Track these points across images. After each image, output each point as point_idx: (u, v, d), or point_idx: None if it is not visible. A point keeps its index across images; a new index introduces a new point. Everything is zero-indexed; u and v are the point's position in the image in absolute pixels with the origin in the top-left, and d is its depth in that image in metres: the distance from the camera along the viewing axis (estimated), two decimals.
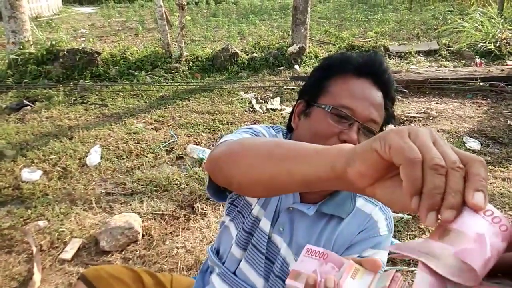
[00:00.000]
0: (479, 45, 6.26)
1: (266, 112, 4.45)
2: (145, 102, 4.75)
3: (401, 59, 6.17)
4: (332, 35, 7.61)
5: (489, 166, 3.20)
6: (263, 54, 6.22)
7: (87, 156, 3.37)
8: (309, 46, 6.44)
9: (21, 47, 5.51)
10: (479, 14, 7.23)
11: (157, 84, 5.27)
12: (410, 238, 2.43)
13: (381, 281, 0.58)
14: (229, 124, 4.09)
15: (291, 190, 0.66)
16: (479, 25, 6.78)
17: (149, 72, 5.60)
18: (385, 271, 0.59)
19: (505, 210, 2.68)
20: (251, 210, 1.08)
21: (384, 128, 1.04)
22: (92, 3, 15.58)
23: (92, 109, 4.52)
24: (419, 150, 0.42)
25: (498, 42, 6.18)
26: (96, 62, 5.51)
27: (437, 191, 0.40)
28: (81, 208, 2.74)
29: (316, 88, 1.02)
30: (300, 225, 1.03)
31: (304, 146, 0.62)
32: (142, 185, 3.00)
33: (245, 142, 0.76)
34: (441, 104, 4.49)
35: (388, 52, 6.35)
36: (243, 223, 1.09)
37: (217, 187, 0.98)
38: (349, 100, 0.95)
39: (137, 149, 3.55)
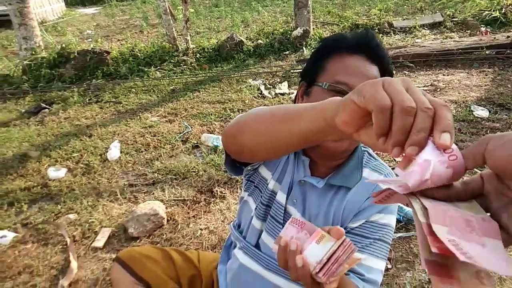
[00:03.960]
0: (484, 14, 6.22)
1: (275, 97, 4.54)
2: (157, 97, 4.88)
3: (406, 34, 6.18)
4: (335, 15, 7.61)
5: (498, 132, 3.25)
6: (268, 40, 6.28)
7: (107, 151, 3.52)
8: (313, 29, 6.47)
9: (33, 52, 5.67)
10: None
11: (167, 78, 5.39)
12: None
13: (335, 245, 0.72)
14: (240, 111, 4.20)
15: (294, 147, 0.77)
16: None
17: (158, 67, 5.72)
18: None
19: None
20: (267, 184, 1.17)
21: None
22: (95, 3, 15.67)
23: (107, 107, 4.67)
24: (391, 97, 0.49)
25: (503, 9, 6.13)
26: (106, 61, 5.64)
27: (402, 130, 0.47)
28: (107, 200, 2.89)
29: (314, 69, 1.07)
30: (311, 196, 1.12)
31: (300, 106, 0.71)
32: (162, 175, 3.14)
33: (251, 113, 0.87)
34: (447, 75, 4.52)
35: (392, 28, 6.35)
36: (261, 197, 1.19)
37: (233, 163, 1.11)
38: (345, 76, 1.00)
39: (154, 141, 3.68)
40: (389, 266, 2.13)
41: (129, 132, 3.92)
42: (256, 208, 1.20)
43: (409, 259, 2.16)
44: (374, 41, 1.04)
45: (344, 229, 1.01)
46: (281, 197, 1.14)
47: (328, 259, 0.71)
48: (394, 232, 2.32)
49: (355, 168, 1.11)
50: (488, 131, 3.29)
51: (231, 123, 0.93)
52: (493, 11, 6.14)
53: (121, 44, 7.17)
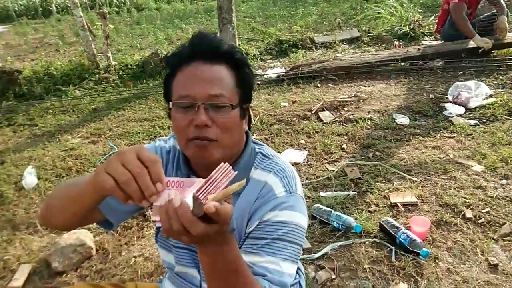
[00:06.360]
0: (395, 29, 6.69)
1: None
2: (78, 117, 4.56)
3: (327, 49, 6.45)
4: (259, 31, 7.75)
5: (419, 137, 3.47)
6: None
7: (22, 179, 3.18)
8: (239, 45, 6.51)
9: None
10: (392, 0, 7.73)
11: (88, 96, 5.07)
12: (358, 212, 2.58)
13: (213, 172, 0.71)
14: (170, 128, 4.05)
15: (88, 209, 0.92)
16: (393, 10, 7.25)
17: (78, 86, 5.37)
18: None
19: (438, 174, 2.92)
20: None
21: (251, 87, 1.10)
22: (3, 21, 14.54)
23: (21, 130, 4.26)
24: (112, 176, 0.71)
25: (412, 25, 6.64)
26: (18, 81, 5.19)
27: (134, 194, 0.71)
28: (25, 232, 2.59)
29: (167, 90, 1.06)
30: None
31: (80, 184, 0.87)
32: None
33: (49, 199, 1.04)
34: (368, 86, 4.76)
35: (314, 44, 6.60)
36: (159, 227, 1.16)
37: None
38: (185, 89, 0.98)
39: (77, 165, 3.41)
40: (333, 276, 2.12)
41: (48, 156, 3.59)
42: (157, 239, 1.21)
43: (352, 267, 2.17)
44: (206, 41, 1.02)
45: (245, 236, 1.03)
46: None
47: (206, 182, 0.70)
48: (334, 241, 2.34)
49: (243, 172, 1.06)
50: (411, 137, 3.48)
51: (40, 208, 1.07)
52: (404, 26, 6.63)
53: (35, 63, 6.66)
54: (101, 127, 4.19)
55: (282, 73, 5.27)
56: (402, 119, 3.82)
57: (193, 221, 0.67)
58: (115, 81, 5.48)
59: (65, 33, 10.14)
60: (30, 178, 3.17)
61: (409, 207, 2.62)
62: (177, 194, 0.70)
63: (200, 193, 0.68)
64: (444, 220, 2.45)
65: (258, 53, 6.38)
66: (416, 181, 2.86)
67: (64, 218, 0.97)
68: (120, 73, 5.67)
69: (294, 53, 6.28)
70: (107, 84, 5.42)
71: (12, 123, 4.43)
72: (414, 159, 3.15)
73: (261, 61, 6.19)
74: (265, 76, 5.35)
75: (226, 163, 0.72)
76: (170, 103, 1.01)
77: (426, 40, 6.31)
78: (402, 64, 5.15)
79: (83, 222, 1.05)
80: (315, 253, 2.26)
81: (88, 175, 0.86)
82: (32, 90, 5.16)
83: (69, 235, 2.40)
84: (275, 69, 5.64)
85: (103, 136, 4.01)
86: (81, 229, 2.49)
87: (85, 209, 0.91)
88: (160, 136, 3.86)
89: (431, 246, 2.27)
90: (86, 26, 5.79)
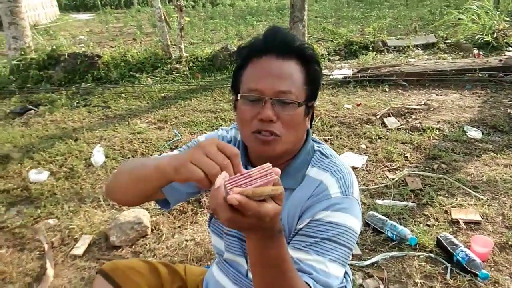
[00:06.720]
0: (476, 37, 6.30)
1: None
2: (148, 103, 4.79)
3: (399, 53, 6.22)
4: (330, 31, 7.65)
5: (491, 153, 3.24)
6: None
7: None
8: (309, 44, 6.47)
9: (22, 52, 5.57)
10: (476, 7, 7.27)
11: (159, 85, 5.31)
12: (415, 224, 2.47)
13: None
14: (231, 121, 4.13)
15: (153, 191, 0.99)
16: (476, 17, 6.82)
17: (150, 74, 5.65)
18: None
19: (508, 195, 2.71)
20: None
21: (319, 86, 1.08)
22: (89, 9, 15.61)
23: (95, 111, 4.56)
24: (201, 168, 0.73)
25: (495, 34, 6.21)
26: (97, 65, 5.55)
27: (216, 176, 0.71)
28: (90, 206, 2.77)
29: (235, 82, 1.06)
30: None
31: (148, 166, 0.91)
32: None
33: (116, 175, 1.08)
34: (441, 95, 4.52)
35: (386, 47, 6.39)
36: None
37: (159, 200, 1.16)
38: (254, 82, 0.98)
39: (142, 148, 3.58)
40: (381, 286, 2.05)
41: (117, 137, 3.82)
42: (212, 226, 1.22)
43: (402, 280, 2.08)
44: (279, 36, 1.00)
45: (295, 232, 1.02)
46: None
47: (241, 175, 0.71)
48: (386, 251, 2.26)
49: (299, 169, 1.06)
50: (482, 152, 3.26)
51: (107, 181, 1.13)
52: (485, 35, 6.22)
53: (113, 50, 7.09)
54: (168, 115, 4.37)
55: (349, 75, 5.17)
56: (474, 133, 3.59)
57: (222, 206, 0.69)
58: (185, 72, 5.69)
59: (143, 23, 10.68)
60: (98, 156, 3.38)
61: (471, 225, 2.46)
62: (226, 177, 0.71)
63: (230, 183, 0.69)
64: (509, 243, 2.27)
65: (326, 53, 6.30)
66: (482, 199, 2.68)
67: (128, 195, 1.04)
68: (190, 64, 5.87)
69: (364, 55, 6.12)
70: (177, 74, 5.65)
71: (88, 104, 4.76)
72: (483, 176, 2.95)
73: (329, 61, 6.10)
74: (331, 76, 5.27)
75: (270, 165, 0.72)
76: (238, 94, 1.03)
77: (510, 51, 5.87)
78: (480, 74, 4.84)
79: (145, 201, 1.12)
80: (365, 260, 2.20)
81: (157, 160, 0.90)
82: (108, 74, 5.51)
83: (128, 212, 2.53)
84: (342, 70, 5.53)
85: (169, 123, 4.18)
86: (140, 208, 2.63)
87: (150, 190, 0.97)
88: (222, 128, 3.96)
89: (492, 269, 2.12)
90: (163, 18, 6.06)
